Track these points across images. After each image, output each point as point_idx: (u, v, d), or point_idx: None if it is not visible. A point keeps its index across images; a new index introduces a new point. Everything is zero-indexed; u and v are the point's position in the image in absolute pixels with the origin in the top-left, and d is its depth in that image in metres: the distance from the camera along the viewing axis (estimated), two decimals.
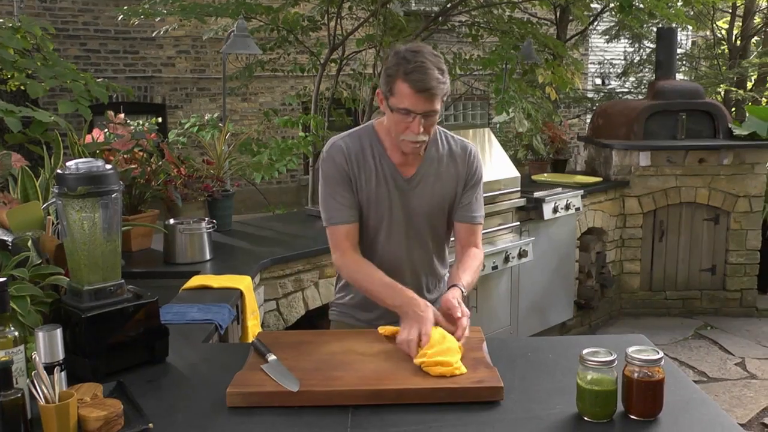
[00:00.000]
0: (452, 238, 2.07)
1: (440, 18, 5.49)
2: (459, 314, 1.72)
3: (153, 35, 6.28)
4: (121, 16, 5.06)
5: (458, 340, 1.66)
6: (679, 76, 8.01)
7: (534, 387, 1.56)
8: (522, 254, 4.02)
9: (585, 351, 1.42)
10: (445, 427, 1.39)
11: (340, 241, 1.90)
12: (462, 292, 1.82)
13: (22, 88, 3.26)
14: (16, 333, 1.40)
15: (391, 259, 1.94)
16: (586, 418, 1.40)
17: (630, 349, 1.41)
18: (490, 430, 1.38)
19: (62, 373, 1.41)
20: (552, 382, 1.58)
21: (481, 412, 1.44)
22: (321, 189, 1.92)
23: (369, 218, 1.92)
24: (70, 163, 1.59)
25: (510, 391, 1.50)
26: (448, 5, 5.45)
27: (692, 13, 7.74)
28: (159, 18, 5.40)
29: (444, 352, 1.58)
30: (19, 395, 1.29)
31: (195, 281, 2.44)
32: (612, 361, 1.39)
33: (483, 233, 3.81)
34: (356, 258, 1.90)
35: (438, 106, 1.77)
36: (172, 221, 2.78)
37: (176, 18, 5.17)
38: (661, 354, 1.42)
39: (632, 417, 1.40)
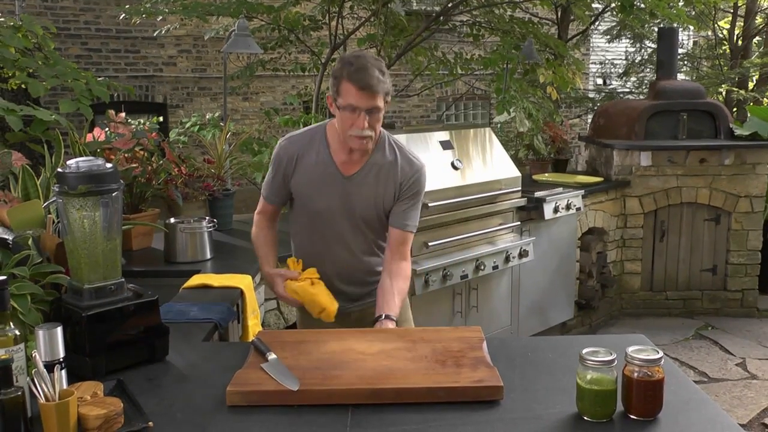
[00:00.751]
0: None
1: (441, 17, 5.49)
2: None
3: (154, 34, 6.28)
4: (123, 15, 5.06)
5: None
6: (680, 77, 8.02)
7: (534, 386, 1.56)
8: (522, 254, 4.02)
9: (585, 350, 1.42)
10: (445, 427, 1.39)
11: (262, 206, 2.27)
12: (394, 321, 2.02)
13: (23, 87, 3.26)
14: (17, 331, 1.40)
15: (330, 247, 2.17)
16: (585, 418, 1.40)
17: (630, 349, 1.41)
18: (489, 429, 1.38)
19: (62, 371, 1.42)
20: (552, 382, 1.58)
21: (480, 412, 1.44)
22: (269, 167, 2.23)
23: (308, 206, 2.15)
24: (71, 162, 1.59)
25: (510, 391, 1.50)
26: (449, 5, 5.45)
27: (693, 13, 7.73)
28: (161, 17, 5.41)
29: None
30: (20, 393, 1.30)
31: (195, 280, 2.44)
32: (612, 361, 1.39)
33: (483, 232, 3.90)
34: (266, 222, 2.27)
35: (380, 103, 1.96)
36: (172, 220, 2.78)
37: (177, 17, 5.18)
38: (661, 354, 1.42)
39: (632, 417, 1.40)
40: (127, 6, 5.05)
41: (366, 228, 2.17)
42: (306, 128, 2.22)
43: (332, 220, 2.14)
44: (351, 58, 1.98)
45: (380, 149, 2.11)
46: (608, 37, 9.25)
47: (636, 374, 1.39)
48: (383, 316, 2.00)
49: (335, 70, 1.98)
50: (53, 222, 2.03)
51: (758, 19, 9.01)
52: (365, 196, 2.11)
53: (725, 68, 8.78)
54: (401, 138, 2.44)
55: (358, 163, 2.10)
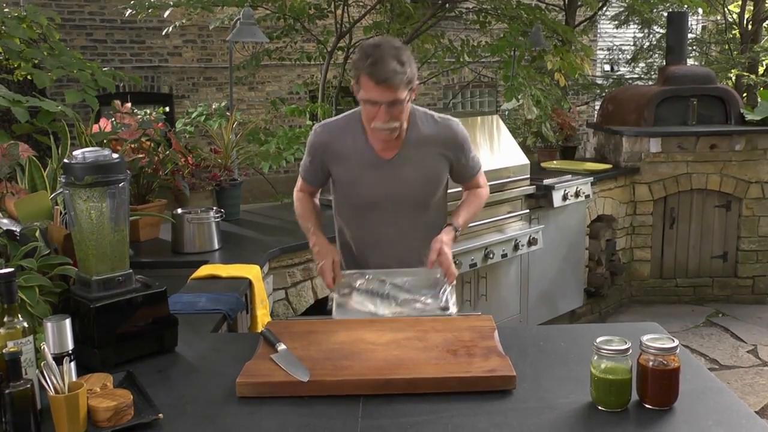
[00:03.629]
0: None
1: (447, 4, 5.44)
2: (434, 254, 2.00)
3: (163, 33, 6.24)
4: (129, 11, 5.03)
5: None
6: (689, 62, 7.93)
7: (546, 376, 1.54)
8: (531, 242, 3.99)
9: (599, 339, 1.40)
10: (457, 417, 1.37)
11: (301, 185, 2.24)
12: (456, 230, 2.07)
13: (28, 78, 3.25)
14: (25, 323, 1.39)
15: (381, 234, 2.10)
16: (600, 407, 1.39)
17: (645, 338, 1.39)
18: (502, 419, 1.37)
19: (71, 363, 1.41)
20: (565, 371, 1.56)
21: (493, 401, 1.43)
22: (305, 151, 2.20)
23: (352, 196, 2.11)
24: (77, 153, 1.58)
25: (522, 380, 1.49)
26: None
27: None
28: (167, 13, 5.38)
29: None
30: (29, 386, 1.29)
31: (203, 271, 2.43)
32: (626, 350, 1.37)
33: (492, 220, 3.87)
34: (303, 197, 2.23)
35: (401, 95, 1.90)
36: (179, 211, 2.77)
37: (183, 10, 5.15)
38: (677, 342, 1.40)
39: (647, 406, 1.39)
40: (132, 1, 5.00)
41: (418, 212, 2.11)
42: (341, 115, 2.17)
43: (380, 209, 2.08)
44: (369, 49, 1.91)
45: (414, 126, 2.05)
46: (616, 22, 9.15)
47: (651, 363, 1.37)
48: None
49: (355, 61, 1.95)
50: (60, 213, 2.02)
51: None
52: (412, 178, 2.05)
53: (735, 53, 8.68)
54: None
55: (395, 146, 2.04)
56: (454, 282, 2.03)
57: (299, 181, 2.24)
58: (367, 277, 2.03)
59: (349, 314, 1.95)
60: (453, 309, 1.99)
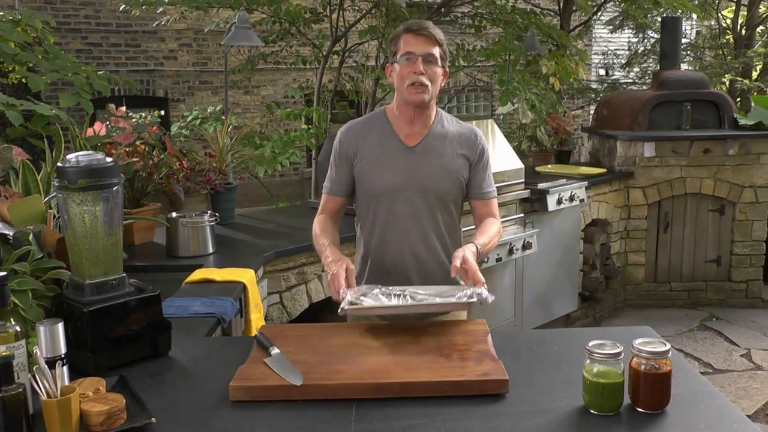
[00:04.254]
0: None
1: (443, 9, 5.45)
2: (458, 261, 1.84)
3: (154, 25, 6.23)
4: (123, 6, 5.03)
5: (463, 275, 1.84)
6: (683, 67, 7.96)
7: (539, 380, 1.54)
8: (526, 246, 4.00)
9: (591, 343, 1.40)
10: (450, 421, 1.37)
11: (324, 204, 2.16)
12: (477, 247, 1.94)
13: (23, 81, 3.24)
14: (18, 327, 1.39)
15: (395, 221, 2.06)
16: (592, 411, 1.39)
17: (637, 342, 1.40)
18: (495, 423, 1.37)
19: (64, 367, 1.40)
20: (558, 375, 1.56)
21: (486, 405, 1.43)
22: (330, 161, 2.17)
23: (375, 184, 2.07)
24: (70, 156, 1.58)
25: (515, 384, 1.49)
26: None
27: (697, 2, 7.67)
28: (160, 9, 5.38)
29: None
30: (21, 390, 1.29)
31: (198, 275, 2.43)
32: (619, 354, 1.38)
33: None
34: (325, 218, 2.13)
35: (436, 52, 1.99)
36: (174, 214, 2.77)
37: (177, 9, 5.15)
38: (668, 346, 1.40)
39: (639, 410, 1.39)
40: None
41: (436, 207, 2.07)
42: (364, 116, 2.25)
43: (399, 197, 2.05)
44: (409, 21, 2.09)
45: (439, 122, 2.11)
46: (611, 27, 9.19)
47: (643, 367, 1.38)
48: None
49: (394, 35, 2.05)
50: (54, 217, 2.01)
51: (762, 8, 8.94)
52: (433, 166, 2.06)
53: (729, 58, 8.72)
54: None
55: (420, 134, 2.08)
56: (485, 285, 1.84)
57: (323, 201, 2.17)
58: (381, 288, 1.84)
59: (362, 313, 1.80)
60: (487, 295, 1.76)
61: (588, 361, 1.39)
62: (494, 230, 2.10)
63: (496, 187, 2.22)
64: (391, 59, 2.05)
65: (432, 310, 1.89)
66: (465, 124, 2.17)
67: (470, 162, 2.11)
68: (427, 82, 1.98)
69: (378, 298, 1.77)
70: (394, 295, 1.79)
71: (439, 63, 2.01)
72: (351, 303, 1.73)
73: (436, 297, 1.79)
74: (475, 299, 1.74)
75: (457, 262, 1.82)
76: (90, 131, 2.81)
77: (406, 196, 2.05)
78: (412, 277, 2.04)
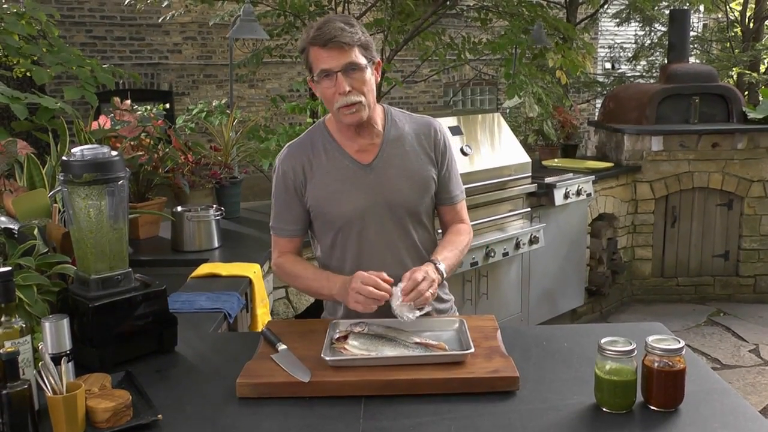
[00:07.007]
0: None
1: (448, 2, 5.41)
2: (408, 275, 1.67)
3: (159, 21, 6.23)
4: (128, 0, 5.01)
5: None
6: (691, 60, 7.91)
7: (550, 377, 1.52)
8: (533, 241, 3.98)
9: (604, 340, 1.38)
10: (460, 418, 1.35)
11: (281, 247, 1.91)
12: (435, 265, 1.74)
13: (27, 74, 3.23)
14: (23, 323, 1.38)
15: (368, 250, 1.82)
16: (604, 409, 1.37)
17: (650, 339, 1.38)
18: (505, 420, 1.35)
19: (69, 363, 1.39)
20: (569, 372, 1.54)
21: (496, 403, 1.41)
22: (272, 194, 1.89)
23: (333, 215, 1.82)
24: (75, 150, 1.56)
25: (525, 381, 1.47)
26: None
27: None
28: (165, 4, 5.36)
29: None
30: (26, 386, 1.27)
31: (203, 269, 2.41)
32: (632, 351, 1.36)
33: (493, 219, 3.86)
34: (292, 257, 1.89)
35: (356, 58, 1.68)
36: (179, 209, 2.75)
37: (182, 3, 5.13)
38: (683, 343, 1.38)
39: (652, 408, 1.37)
40: None
41: (408, 219, 1.84)
42: (302, 134, 1.92)
43: (367, 223, 1.80)
44: (313, 24, 1.73)
45: (392, 124, 1.85)
46: (617, 20, 9.13)
47: (657, 364, 1.35)
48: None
49: (301, 45, 1.74)
50: (59, 211, 2.00)
51: None
52: (399, 180, 1.81)
53: (737, 51, 8.66)
54: None
55: (373, 147, 1.82)
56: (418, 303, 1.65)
57: (274, 246, 1.91)
58: (367, 323, 1.67)
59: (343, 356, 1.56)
60: (410, 314, 1.64)
61: (600, 358, 1.37)
62: (463, 243, 1.87)
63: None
64: (310, 75, 1.74)
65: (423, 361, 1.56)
66: (418, 117, 1.90)
67: (437, 161, 1.86)
68: (359, 98, 1.70)
69: (364, 343, 1.58)
70: (380, 338, 1.60)
71: (364, 62, 1.70)
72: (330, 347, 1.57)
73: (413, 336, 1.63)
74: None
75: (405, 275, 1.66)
76: (95, 125, 2.79)
77: (375, 221, 1.80)
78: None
